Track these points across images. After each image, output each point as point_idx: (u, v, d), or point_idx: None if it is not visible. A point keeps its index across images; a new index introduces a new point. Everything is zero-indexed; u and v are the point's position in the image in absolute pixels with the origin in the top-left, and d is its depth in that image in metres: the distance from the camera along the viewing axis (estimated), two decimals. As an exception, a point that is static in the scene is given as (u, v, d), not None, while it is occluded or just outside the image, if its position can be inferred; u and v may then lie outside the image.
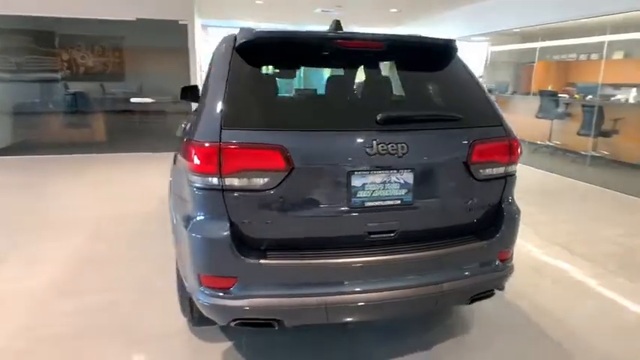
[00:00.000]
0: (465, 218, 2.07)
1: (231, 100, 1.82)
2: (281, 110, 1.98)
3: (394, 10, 10.07)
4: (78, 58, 8.61)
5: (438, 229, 2.04)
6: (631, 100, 7.69)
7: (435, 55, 2.20)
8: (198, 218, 1.83)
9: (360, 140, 1.84)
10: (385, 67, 2.18)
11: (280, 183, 1.77)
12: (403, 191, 1.90)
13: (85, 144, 8.18)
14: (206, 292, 1.83)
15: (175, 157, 2.26)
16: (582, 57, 9.61)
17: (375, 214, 1.90)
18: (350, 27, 15.45)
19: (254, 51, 1.97)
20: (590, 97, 8.02)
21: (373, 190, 1.87)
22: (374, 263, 1.88)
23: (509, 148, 2.06)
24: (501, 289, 2.18)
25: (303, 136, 1.82)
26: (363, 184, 1.85)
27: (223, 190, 1.76)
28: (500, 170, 2.08)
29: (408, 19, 11.50)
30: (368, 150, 1.82)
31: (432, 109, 2.09)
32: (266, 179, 1.76)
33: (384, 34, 2.06)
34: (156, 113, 8.93)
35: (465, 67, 2.25)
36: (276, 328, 1.86)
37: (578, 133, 7.71)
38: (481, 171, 2.01)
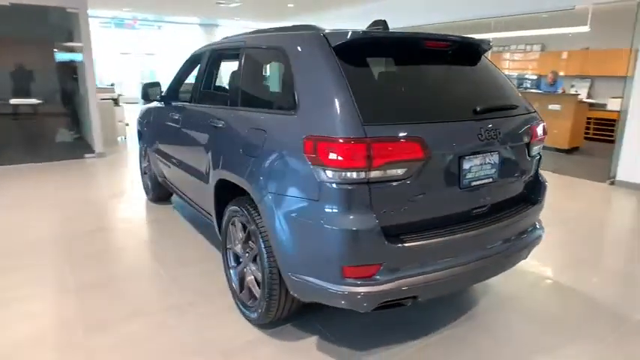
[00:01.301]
0: (522, 189, 2.49)
1: (359, 97, 1.89)
2: (407, 104, 2.10)
3: (291, 5, 10.30)
4: None
5: (509, 200, 2.41)
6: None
7: (476, 53, 2.55)
8: (340, 212, 1.87)
9: (471, 128, 2.10)
10: (453, 64, 2.44)
11: (416, 172, 1.93)
12: (492, 170, 2.22)
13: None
14: (349, 282, 1.90)
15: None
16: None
17: (476, 191, 2.18)
18: (246, 21, 15.21)
19: (352, 51, 2.05)
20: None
21: (476, 172, 2.15)
22: (479, 233, 2.16)
23: (544, 129, 2.55)
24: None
25: (432, 127, 2.00)
26: (470, 167, 2.12)
27: (369, 182, 1.85)
28: (540, 147, 2.56)
29: (305, 12, 11.85)
30: (479, 136, 2.10)
31: (498, 99, 2.43)
32: (405, 169, 1.90)
33: (453, 36, 2.32)
34: (43, 116, 7.66)
35: (492, 63, 2.66)
36: (409, 305, 2.04)
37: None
38: (533, 149, 2.45)
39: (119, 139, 8.88)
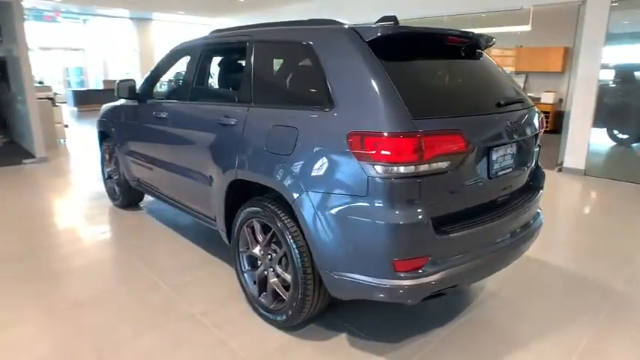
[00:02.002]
0: (528, 176, 2.64)
1: (403, 92, 1.90)
2: (443, 98, 2.12)
3: (242, -1, 10.07)
4: None
5: (522, 188, 2.55)
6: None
7: (482, 48, 2.65)
8: (391, 207, 1.87)
9: (498, 120, 2.19)
10: (468, 59, 2.52)
11: (456, 164, 1.98)
12: (512, 160, 2.33)
13: None
14: (400, 276, 1.91)
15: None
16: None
17: (500, 181, 2.28)
18: (189, 16, 14.50)
19: (384, 45, 2.05)
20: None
21: (501, 162, 2.24)
22: (507, 220, 2.27)
23: (544, 121, 2.72)
24: None
25: (468, 120, 2.06)
26: (497, 158, 2.21)
27: (419, 176, 1.87)
28: (539, 137, 2.73)
29: (257, 7, 11.62)
30: (507, 128, 2.19)
31: (511, 93, 2.53)
32: (448, 162, 1.94)
33: (471, 32, 2.40)
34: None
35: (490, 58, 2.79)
36: (446, 294, 2.10)
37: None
38: (539, 139, 2.62)
39: (59, 142, 8.16)
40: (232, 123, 2.55)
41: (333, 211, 1.99)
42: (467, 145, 1.98)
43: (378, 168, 1.85)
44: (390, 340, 2.39)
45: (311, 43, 2.22)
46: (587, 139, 6.12)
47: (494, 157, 2.19)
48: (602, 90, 6.35)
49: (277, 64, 2.64)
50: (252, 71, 2.55)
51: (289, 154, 2.15)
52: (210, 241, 3.68)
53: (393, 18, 2.56)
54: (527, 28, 7.60)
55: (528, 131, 2.43)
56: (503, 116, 2.25)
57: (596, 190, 5.69)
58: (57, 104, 8.23)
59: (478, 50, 2.56)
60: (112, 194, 4.67)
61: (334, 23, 2.32)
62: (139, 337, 2.42)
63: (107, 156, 4.57)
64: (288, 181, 2.15)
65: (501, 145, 2.22)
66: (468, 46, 2.44)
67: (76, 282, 3.05)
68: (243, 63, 2.65)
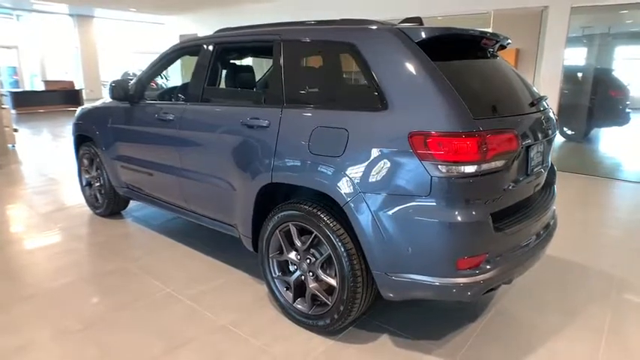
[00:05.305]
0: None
1: (463, 92, 1.94)
2: (492, 98, 2.16)
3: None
4: None
5: (546, 183, 2.67)
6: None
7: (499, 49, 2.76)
8: (455, 205, 1.89)
9: (535, 119, 2.28)
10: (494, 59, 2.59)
11: (510, 162, 2.05)
12: (541, 158, 2.44)
13: None
14: (461, 273, 1.95)
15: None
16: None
17: (535, 177, 2.38)
18: (142, 14, 13.74)
19: (432, 46, 2.08)
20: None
21: (535, 159, 2.35)
22: (544, 214, 2.38)
23: None
24: None
25: (516, 119, 2.13)
26: (533, 155, 2.30)
27: (481, 175, 1.91)
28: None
29: (217, 5, 11.30)
30: (540, 126, 2.29)
31: (534, 92, 2.62)
32: (504, 160, 2.00)
33: (497, 33, 2.48)
34: None
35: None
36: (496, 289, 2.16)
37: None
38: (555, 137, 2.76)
39: (9, 147, 7.47)
40: (264, 125, 2.46)
41: (393, 211, 1.98)
42: (519, 144, 2.05)
43: (442, 167, 1.87)
44: (430, 338, 2.42)
45: (355, 43, 2.20)
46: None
47: (531, 154, 2.28)
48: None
49: (313, 64, 2.58)
50: (283, 71, 2.47)
51: (339, 155, 2.11)
52: (210, 247, 3.56)
53: (418, 19, 2.60)
54: (489, 30, 7.99)
55: (552, 128, 2.56)
56: (537, 115, 2.35)
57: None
58: (4, 106, 7.54)
59: (497, 51, 2.66)
60: (92, 202, 4.35)
61: (370, 23, 2.31)
62: (173, 353, 2.28)
63: (86, 162, 4.24)
64: (339, 183, 2.11)
65: (535, 143, 2.32)
66: (493, 47, 2.53)
67: (80, 300, 2.80)
68: (270, 63, 2.56)
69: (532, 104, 2.35)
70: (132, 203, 4.44)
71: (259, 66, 3.93)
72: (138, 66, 19.91)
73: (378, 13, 7.98)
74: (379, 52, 2.12)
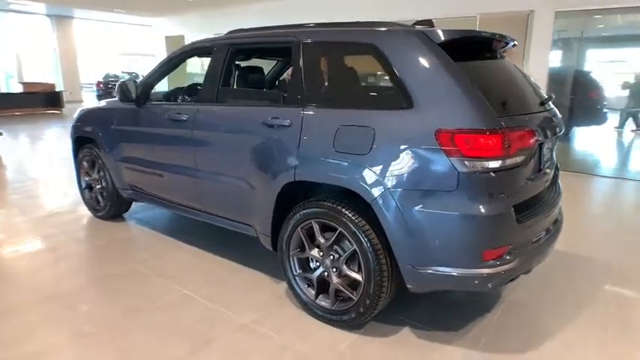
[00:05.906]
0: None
1: (486, 91, 2.03)
2: (510, 97, 2.24)
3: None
4: None
5: (552, 178, 2.79)
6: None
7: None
8: (481, 199, 1.98)
9: (546, 117, 2.39)
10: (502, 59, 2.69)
11: (528, 157, 2.15)
12: (550, 154, 2.56)
13: None
14: (486, 264, 2.03)
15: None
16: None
17: (545, 173, 2.49)
18: (131, 16, 13.51)
19: (452, 47, 2.16)
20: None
21: (545, 155, 2.46)
22: (552, 207, 2.49)
23: None
24: None
25: (532, 117, 2.24)
26: (544, 152, 2.41)
27: (504, 169, 2.00)
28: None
29: (208, 7, 11.24)
30: (552, 124, 2.40)
31: (541, 92, 2.73)
32: (524, 156, 2.10)
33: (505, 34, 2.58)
34: None
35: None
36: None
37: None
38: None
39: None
40: (286, 124, 2.50)
41: (421, 206, 2.05)
42: (536, 140, 2.15)
43: (469, 163, 1.95)
44: (449, 329, 2.49)
45: (376, 44, 2.26)
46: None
47: (543, 151, 2.39)
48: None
49: (333, 64, 2.61)
50: (303, 72, 2.52)
51: (366, 153, 2.17)
52: (216, 248, 3.56)
53: (428, 22, 2.69)
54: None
55: (559, 127, 2.68)
56: (546, 114, 2.46)
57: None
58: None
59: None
60: (93, 206, 4.28)
61: (390, 25, 2.38)
62: (197, 353, 2.28)
63: (86, 164, 4.18)
64: (366, 180, 2.16)
65: (546, 140, 2.43)
66: (502, 48, 2.63)
67: (92, 303, 2.77)
68: (289, 64, 2.61)
69: (542, 103, 2.45)
70: (133, 205, 4.40)
71: (265, 67, 3.97)
72: (122, 67, 19.56)
73: (367, 14, 8.10)
74: (402, 53, 2.19)
